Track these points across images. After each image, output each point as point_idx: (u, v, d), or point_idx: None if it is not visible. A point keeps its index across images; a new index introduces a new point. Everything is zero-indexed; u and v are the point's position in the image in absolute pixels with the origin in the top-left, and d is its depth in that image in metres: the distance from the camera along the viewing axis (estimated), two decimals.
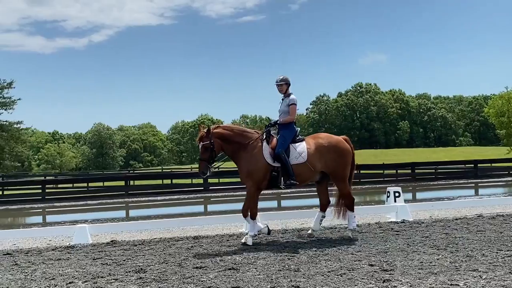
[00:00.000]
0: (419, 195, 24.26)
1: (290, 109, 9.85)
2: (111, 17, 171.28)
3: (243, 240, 9.52)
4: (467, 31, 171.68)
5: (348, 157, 10.07)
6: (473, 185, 28.67)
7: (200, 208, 22.18)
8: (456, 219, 12.06)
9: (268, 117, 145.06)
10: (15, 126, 44.48)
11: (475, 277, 6.44)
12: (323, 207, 10.29)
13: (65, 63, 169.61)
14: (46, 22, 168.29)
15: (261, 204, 21.13)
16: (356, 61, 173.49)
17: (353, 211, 10.18)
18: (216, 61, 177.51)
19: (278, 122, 9.90)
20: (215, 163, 9.70)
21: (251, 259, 8.05)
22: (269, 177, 9.49)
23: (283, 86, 9.96)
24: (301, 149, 9.63)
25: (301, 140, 9.80)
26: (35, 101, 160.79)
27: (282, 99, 10.03)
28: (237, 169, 9.90)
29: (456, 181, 30.41)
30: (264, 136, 9.68)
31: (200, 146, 9.40)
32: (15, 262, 8.68)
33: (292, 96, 9.94)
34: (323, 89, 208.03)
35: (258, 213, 11.94)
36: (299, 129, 10.05)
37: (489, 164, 38.43)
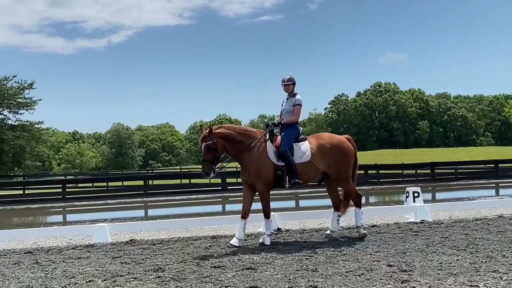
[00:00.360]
0: (438, 196, 24.07)
1: (295, 109, 9.82)
2: (130, 18, 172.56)
3: (260, 240, 9.55)
4: (487, 30, 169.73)
5: (351, 157, 10.02)
6: (494, 185, 28.35)
7: (218, 207, 22.27)
8: (476, 220, 11.95)
9: None
10: (36, 126, 44.91)
11: (495, 278, 6.37)
12: (336, 206, 10.28)
13: (84, 63, 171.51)
14: (66, 23, 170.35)
15: (279, 204, 21.16)
16: (375, 61, 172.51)
17: (361, 208, 10.14)
18: (234, 61, 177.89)
19: (282, 122, 9.83)
20: (219, 164, 9.70)
21: (269, 259, 8.06)
22: (274, 177, 9.46)
23: (290, 85, 9.92)
24: (304, 148, 9.60)
25: (304, 140, 9.76)
26: (55, 102, 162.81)
27: (287, 98, 9.99)
28: None
29: (477, 181, 30.11)
30: (268, 136, 9.63)
31: (203, 147, 9.31)
32: (36, 260, 8.79)
33: (298, 96, 9.91)
34: (341, 88, 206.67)
35: (276, 213, 11.99)
36: (301, 128, 10.01)
37: (510, 164, 37.86)
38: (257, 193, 9.64)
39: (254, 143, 9.46)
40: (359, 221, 10.03)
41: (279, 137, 9.65)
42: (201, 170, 9.48)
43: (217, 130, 9.42)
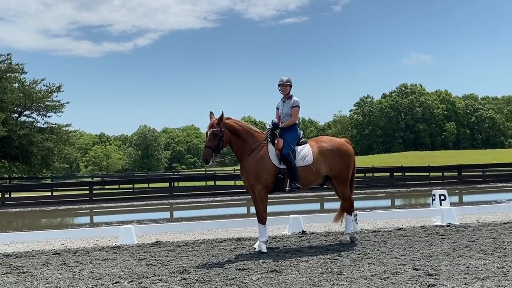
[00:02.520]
0: (465, 198, 23.75)
1: (293, 111, 9.67)
2: (156, 21, 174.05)
3: (257, 249, 9.25)
4: None
5: (351, 159, 9.94)
6: None
7: (243, 209, 22.27)
8: (505, 223, 11.75)
9: (310, 118, 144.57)
10: (63, 128, 45.38)
11: None
12: (348, 209, 10.09)
13: (111, 66, 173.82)
14: (93, 27, 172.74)
15: (304, 207, 21.09)
16: (399, 62, 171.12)
17: (351, 215, 10.01)
18: (259, 63, 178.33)
19: (279, 125, 9.64)
20: (228, 157, 9.63)
21: (293, 262, 8.06)
22: (274, 180, 9.28)
23: (287, 87, 9.77)
24: (306, 152, 9.46)
25: (305, 143, 9.64)
26: (82, 104, 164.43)
27: (284, 101, 9.83)
28: None
29: (505, 184, 29.59)
30: (270, 138, 9.45)
31: (209, 133, 9.11)
32: (63, 261, 8.92)
33: (295, 98, 9.77)
34: (367, 90, 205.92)
35: (301, 216, 11.98)
36: (302, 132, 9.89)
37: None
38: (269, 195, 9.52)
39: (257, 144, 9.27)
40: (349, 228, 9.92)
41: (281, 140, 9.45)
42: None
43: (227, 121, 9.24)
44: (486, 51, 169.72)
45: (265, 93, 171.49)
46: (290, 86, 9.81)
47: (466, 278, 6.60)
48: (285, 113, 9.79)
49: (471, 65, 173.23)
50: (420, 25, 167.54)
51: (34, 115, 44.50)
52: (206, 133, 9.29)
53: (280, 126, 9.64)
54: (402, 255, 8.28)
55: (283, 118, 9.79)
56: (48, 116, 44.64)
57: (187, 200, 25.72)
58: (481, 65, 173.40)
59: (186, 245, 10.23)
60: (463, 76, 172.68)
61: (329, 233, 11.18)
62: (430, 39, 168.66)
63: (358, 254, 8.55)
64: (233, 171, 45.56)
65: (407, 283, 6.46)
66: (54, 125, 44.83)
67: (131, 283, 7.05)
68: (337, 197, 10.49)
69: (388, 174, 30.52)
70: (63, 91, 45.00)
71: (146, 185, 32.34)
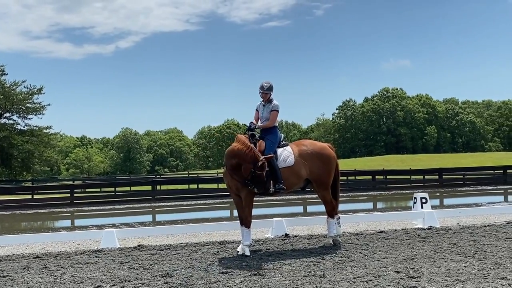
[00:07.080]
0: (446, 201, 23.95)
1: (271, 115, 9.71)
2: (138, 24, 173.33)
3: (240, 252, 9.22)
4: (494, 34, 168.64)
5: (332, 164, 9.95)
6: (502, 191, 28.11)
7: (226, 213, 22.26)
8: (485, 226, 11.90)
9: (293, 122, 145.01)
10: (44, 131, 44.98)
11: (503, 285, 6.36)
12: (330, 212, 10.08)
13: (93, 69, 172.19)
14: (75, 29, 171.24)
15: (287, 210, 21.13)
16: (379, 66, 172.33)
17: (334, 218, 10.00)
18: (242, 66, 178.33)
19: (256, 126, 9.70)
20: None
21: (276, 265, 8.07)
22: None
23: (268, 94, 9.78)
24: (287, 154, 9.52)
25: (286, 145, 9.70)
26: (63, 106, 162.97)
27: (264, 105, 9.87)
28: None
29: (485, 187, 29.92)
30: (251, 140, 9.40)
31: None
32: (44, 265, 8.83)
33: (275, 102, 9.80)
34: (349, 94, 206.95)
35: (284, 219, 12.00)
36: (282, 135, 9.94)
37: None
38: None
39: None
40: (332, 232, 9.94)
41: (263, 142, 9.50)
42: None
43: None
44: (467, 56, 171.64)
45: (248, 95, 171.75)
46: (271, 92, 9.83)
47: (447, 280, 6.67)
48: (264, 117, 9.84)
49: (451, 70, 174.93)
50: (399, 31, 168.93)
51: (14, 117, 44.17)
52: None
53: (257, 127, 9.69)
54: (384, 258, 8.34)
55: (263, 122, 9.84)
56: (29, 119, 44.32)
57: (170, 203, 25.60)
58: (461, 70, 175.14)
59: (169, 248, 10.20)
60: (442, 81, 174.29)
61: (312, 236, 11.22)
62: (408, 45, 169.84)
63: (341, 257, 8.60)
64: (216, 174, 45.52)
65: (389, 285, 6.51)
66: (34, 128, 44.46)
67: (113, 287, 7.01)
68: (320, 200, 10.50)
69: (370, 177, 30.66)
70: (44, 93, 44.73)
71: (128, 188, 32.07)
